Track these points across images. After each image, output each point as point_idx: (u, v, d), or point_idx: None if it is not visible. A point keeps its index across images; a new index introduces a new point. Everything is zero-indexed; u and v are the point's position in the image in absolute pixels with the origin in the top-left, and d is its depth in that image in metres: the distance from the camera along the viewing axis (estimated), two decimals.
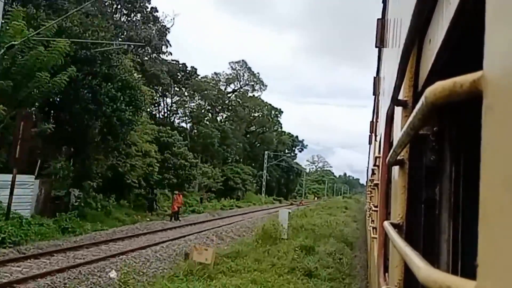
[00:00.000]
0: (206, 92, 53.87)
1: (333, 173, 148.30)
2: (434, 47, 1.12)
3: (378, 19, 4.93)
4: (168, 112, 52.22)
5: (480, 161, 0.48)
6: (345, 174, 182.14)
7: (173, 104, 52.11)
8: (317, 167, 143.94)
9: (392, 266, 1.68)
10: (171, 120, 51.51)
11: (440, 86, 0.53)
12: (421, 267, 0.58)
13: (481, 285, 0.44)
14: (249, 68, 69.06)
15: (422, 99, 0.61)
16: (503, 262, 0.39)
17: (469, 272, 0.52)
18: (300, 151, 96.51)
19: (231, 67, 68.57)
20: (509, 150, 0.40)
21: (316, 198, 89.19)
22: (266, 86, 69.57)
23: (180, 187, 32.70)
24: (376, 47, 5.25)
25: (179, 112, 53.32)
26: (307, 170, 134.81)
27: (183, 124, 52.95)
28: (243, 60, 67.80)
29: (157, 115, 48.30)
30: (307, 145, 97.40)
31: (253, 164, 65.40)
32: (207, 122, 52.91)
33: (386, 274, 1.99)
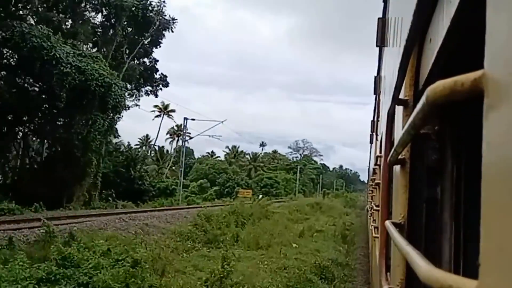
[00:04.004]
0: None
1: (322, 163, 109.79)
2: (435, 46, 1.12)
3: (378, 18, 4.93)
4: None
5: (482, 160, 0.48)
6: (341, 166, 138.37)
7: None
8: (302, 155, 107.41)
9: (394, 266, 1.68)
10: None
11: (441, 85, 0.53)
12: (422, 266, 0.58)
13: (483, 284, 0.44)
14: None
15: (423, 98, 0.61)
16: (505, 261, 0.39)
17: (471, 271, 0.52)
18: (156, 46, 36.83)
19: None
20: (510, 148, 0.40)
21: (260, 196, 43.72)
22: None
23: None
24: (377, 46, 5.24)
25: None
26: (290, 158, 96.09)
27: None
28: None
29: None
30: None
31: None
32: None
33: (388, 273, 1.98)
